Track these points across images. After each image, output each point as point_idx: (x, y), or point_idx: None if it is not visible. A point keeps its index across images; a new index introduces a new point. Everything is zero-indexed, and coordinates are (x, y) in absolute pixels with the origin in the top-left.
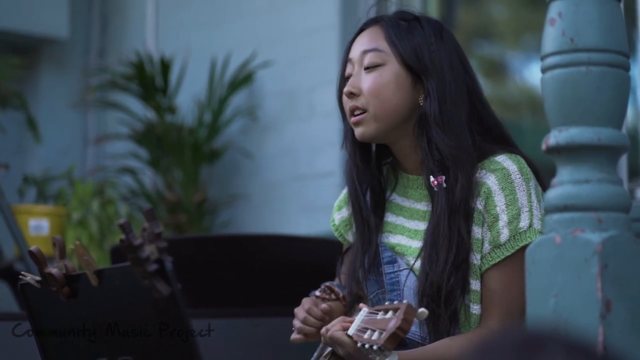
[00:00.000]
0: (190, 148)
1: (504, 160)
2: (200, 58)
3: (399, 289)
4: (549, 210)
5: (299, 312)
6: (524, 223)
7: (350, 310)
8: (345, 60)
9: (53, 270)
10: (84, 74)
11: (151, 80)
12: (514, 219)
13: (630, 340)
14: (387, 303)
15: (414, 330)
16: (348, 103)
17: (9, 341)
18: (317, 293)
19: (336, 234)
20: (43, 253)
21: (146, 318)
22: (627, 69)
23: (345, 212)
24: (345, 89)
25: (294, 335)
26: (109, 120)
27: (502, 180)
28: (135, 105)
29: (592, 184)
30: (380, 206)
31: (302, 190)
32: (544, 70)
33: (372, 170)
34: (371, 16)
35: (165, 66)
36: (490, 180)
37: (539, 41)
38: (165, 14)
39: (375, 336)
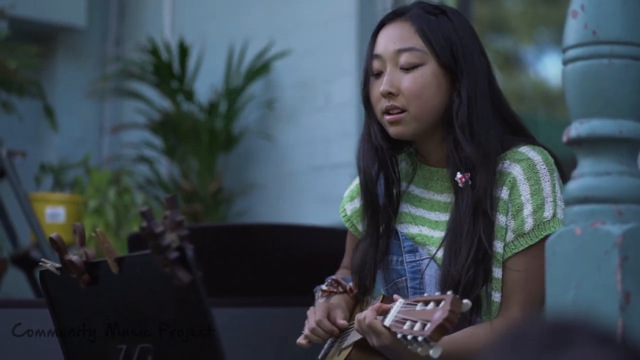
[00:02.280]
0: (207, 136)
1: (528, 152)
2: (217, 46)
3: (420, 277)
4: (569, 202)
5: (310, 318)
6: (548, 213)
7: (361, 301)
8: (371, 54)
9: (73, 257)
10: (101, 63)
11: (168, 68)
12: (539, 208)
13: None
14: (426, 294)
15: None
16: (383, 101)
17: (27, 325)
18: (324, 287)
19: (347, 225)
20: (64, 240)
21: (166, 306)
22: None
23: (357, 203)
24: (383, 89)
25: (301, 340)
26: (125, 109)
27: (527, 170)
28: (152, 93)
29: (613, 176)
30: (395, 197)
31: (317, 180)
32: (565, 62)
33: (390, 160)
34: (395, 7)
35: (184, 52)
36: (516, 170)
37: (552, 35)
38: (182, 2)
39: (417, 327)
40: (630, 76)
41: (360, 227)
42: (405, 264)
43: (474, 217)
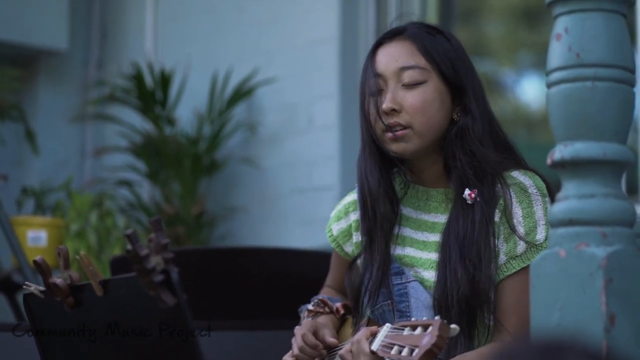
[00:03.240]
0: (190, 160)
1: (519, 176)
2: (199, 70)
3: (407, 301)
4: (553, 224)
5: (298, 336)
6: (540, 236)
7: (356, 323)
8: (370, 73)
9: (57, 280)
10: (83, 86)
11: (150, 93)
12: (531, 231)
13: (634, 354)
14: (413, 319)
15: None
16: (385, 118)
17: (9, 349)
18: (310, 307)
19: (333, 245)
20: (48, 263)
21: (151, 329)
22: (632, 84)
23: (344, 223)
24: (386, 106)
25: (287, 357)
26: (107, 132)
27: (519, 194)
28: (134, 117)
29: (597, 198)
30: (392, 217)
31: (300, 203)
32: (549, 85)
33: (388, 180)
34: (393, 27)
35: (165, 79)
36: (507, 194)
37: (533, 59)
38: (164, 26)
39: (405, 352)
40: (614, 99)
41: (346, 248)
42: (391, 287)
43: (486, 233)
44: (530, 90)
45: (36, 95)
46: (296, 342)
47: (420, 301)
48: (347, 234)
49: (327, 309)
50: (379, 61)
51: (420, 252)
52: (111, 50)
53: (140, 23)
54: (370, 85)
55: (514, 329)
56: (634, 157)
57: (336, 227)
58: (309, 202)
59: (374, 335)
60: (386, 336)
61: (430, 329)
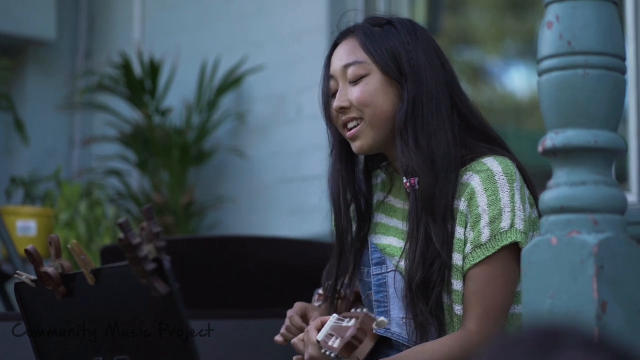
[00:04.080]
0: (179, 150)
1: (491, 162)
2: (187, 60)
3: (385, 291)
4: (545, 212)
5: (287, 317)
6: (505, 223)
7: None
8: (328, 76)
9: (49, 269)
10: (71, 76)
11: (139, 82)
12: (496, 219)
13: (625, 341)
14: (375, 306)
15: (399, 332)
16: (340, 118)
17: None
18: (321, 291)
19: None
20: (39, 252)
21: (143, 317)
22: (623, 72)
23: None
24: (336, 105)
25: (277, 337)
26: (96, 122)
27: (485, 182)
28: (123, 107)
29: (589, 186)
30: (368, 212)
31: (289, 193)
32: (540, 73)
33: (359, 175)
34: (343, 29)
35: (154, 68)
36: (475, 182)
37: (519, 48)
38: (152, 16)
39: (336, 343)
40: (605, 86)
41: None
42: (372, 277)
43: (420, 219)
44: (517, 79)
45: (25, 85)
46: (285, 323)
47: (399, 291)
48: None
49: (336, 295)
50: (332, 62)
51: (401, 241)
52: (99, 40)
53: (128, 13)
54: (327, 88)
55: (479, 320)
56: (625, 145)
57: None
58: (297, 191)
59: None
60: (331, 327)
61: (354, 320)
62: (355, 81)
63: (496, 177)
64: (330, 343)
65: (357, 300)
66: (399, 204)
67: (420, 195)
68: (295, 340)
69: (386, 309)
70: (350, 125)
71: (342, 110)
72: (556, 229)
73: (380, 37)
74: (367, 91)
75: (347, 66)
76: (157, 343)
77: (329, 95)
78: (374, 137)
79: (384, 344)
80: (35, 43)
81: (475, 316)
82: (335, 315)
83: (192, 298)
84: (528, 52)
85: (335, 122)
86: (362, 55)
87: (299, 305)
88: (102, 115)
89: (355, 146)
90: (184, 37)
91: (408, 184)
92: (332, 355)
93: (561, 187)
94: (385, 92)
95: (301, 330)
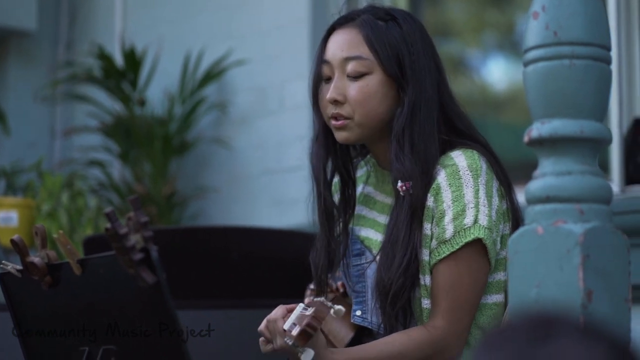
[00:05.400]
0: (160, 141)
1: (457, 156)
2: (170, 51)
3: (364, 281)
4: (531, 201)
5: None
6: (468, 219)
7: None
8: (320, 59)
9: (35, 259)
10: (52, 67)
11: (121, 73)
12: (459, 215)
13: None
14: (354, 296)
15: (377, 322)
16: (330, 108)
17: None
18: (312, 286)
19: None
20: (25, 242)
21: (130, 307)
22: (609, 62)
23: (336, 197)
24: (329, 96)
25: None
26: (77, 113)
27: (450, 177)
28: (104, 98)
29: (574, 175)
30: (351, 199)
31: (270, 183)
32: (526, 63)
33: (343, 164)
34: (344, 13)
35: (136, 59)
36: (440, 177)
37: (498, 39)
38: (134, 7)
39: (294, 331)
40: (591, 76)
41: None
42: (351, 267)
43: (411, 226)
44: (496, 71)
45: (6, 76)
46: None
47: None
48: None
49: (327, 288)
50: (328, 47)
51: (378, 234)
52: (80, 31)
53: (110, 3)
54: (319, 72)
55: (445, 314)
56: (610, 135)
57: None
58: (279, 182)
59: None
60: (296, 316)
61: (310, 310)
62: (355, 77)
63: (460, 173)
64: (293, 332)
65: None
66: (379, 196)
67: (412, 201)
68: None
69: (364, 298)
70: (339, 119)
71: (336, 102)
72: (542, 219)
73: (384, 34)
74: (366, 91)
75: (348, 59)
76: (144, 333)
77: (320, 79)
78: (361, 133)
79: (365, 334)
80: (16, 34)
81: (442, 311)
82: (301, 305)
83: (175, 288)
84: (507, 44)
85: (323, 109)
86: (365, 51)
87: (280, 308)
88: (83, 106)
89: (340, 135)
90: (167, 28)
91: (404, 187)
92: (290, 343)
93: (547, 176)
94: (383, 94)
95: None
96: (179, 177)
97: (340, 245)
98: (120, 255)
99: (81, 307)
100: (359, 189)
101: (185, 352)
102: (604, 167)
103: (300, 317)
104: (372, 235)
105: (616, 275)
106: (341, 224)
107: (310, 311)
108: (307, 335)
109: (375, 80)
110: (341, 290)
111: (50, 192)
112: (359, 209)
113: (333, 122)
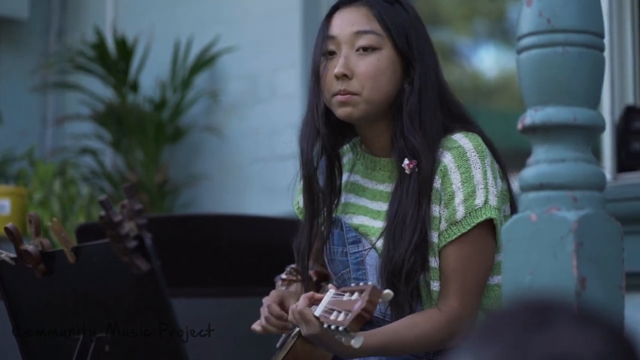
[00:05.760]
0: (153, 128)
1: (461, 139)
2: (161, 38)
3: (364, 269)
4: (524, 188)
5: (264, 306)
6: (479, 200)
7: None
8: (324, 35)
9: (29, 247)
10: (44, 55)
11: (113, 61)
12: (469, 196)
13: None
14: (353, 284)
15: (380, 307)
16: (335, 84)
17: None
18: (284, 276)
19: (301, 217)
20: (19, 230)
21: (124, 295)
22: (602, 49)
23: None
24: (338, 71)
25: (255, 326)
26: (69, 101)
27: (457, 158)
28: (96, 85)
29: (568, 162)
30: (337, 186)
31: (262, 171)
32: (519, 50)
33: (332, 146)
34: None
35: (128, 47)
36: (447, 159)
37: (488, 27)
38: None
39: (341, 317)
40: (584, 64)
41: None
42: (349, 255)
43: (419, 203)
44: (487, 59)
45: None
46: (263, 313)
47: (375, 268)
48: None
49: (299, 277)
50: (334, 24)
51: (374, 221)
52: (72, 19)
53: None
54: (323, 47)
55: (458, 295)
56: (603, 122)
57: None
58: (271, 170)
59: (317, 301)
60: (329, 302)
61: (362, 294)
62: (366, 50)
63: (468, 154)
64: (332, 317)
65: (322, 280)
66: (369, 183)
67: (421, 178)
68: (261, 326)
69: None
70: (345, 94)
71: (343, 77)
72: (535, 206)
73: (394, 13)
74: (377, 66)
75: (359, 33)
76: (138, 321)
77: (323, 55)
78: (365, 111)
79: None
80: (7, 22)
81: (455, 292)
82: (331, 291)
83: (167, 276)
84: (497, 32)
85: (327, 85)
86: (377, 27)
87: (275, 294)
88: (75, 94)
89: (343, 111)
90: (157, 15)
91: (410, 166)
92: (340, 328)
93: (540, 164)
94: (393, 70)
95: (280, 317)
96: (171, 164)
97: (324, 231)
98: (115, 243)
99: (75, 295)
100: (345, 177)
101: (179, 340)
102: (596, 155)
103: (340, 302)
104: (368, 222)
105: (610, 263)
106: (325, 211)
107: (354, 296)
108: (362, 319)
109: (385, 56)
110: (314, 278)
111: (42, 180)
112: (347, 197)
113: (338, 97)
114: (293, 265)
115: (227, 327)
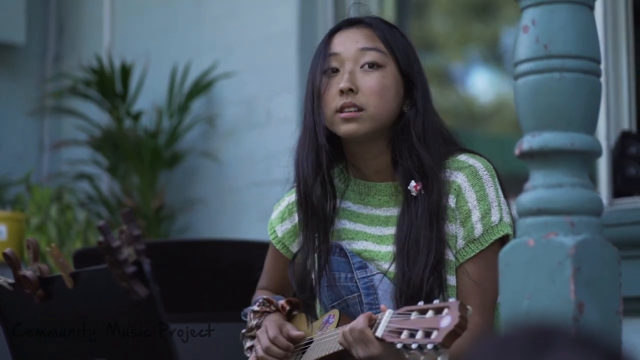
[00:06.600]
0: (149, 153)
1: (468, 159)
2: (157, 64)
3: (375, 293)
4: (522, 213)
5: (262, 337)
6: (495, 217)
7: (296, 317)
8: (325, 53)
9: (27, 272)
10: (41, 80)
11: (110, 86)
12: (486, 213)
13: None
14: (420, 304)
15: None
16: (338, 99)
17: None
18: (256, 308)
19: (278, 246)
20: (17, 256)
21: (122, 320)
22: (599, 75)
23: (289, 224)
24: (343, 85)
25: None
26: (66, 126)
27: (471, 177)
28: (93, 111)
29: (565, 188)
30: (331, 209)
31: (258, 196)
32: (517, 76)
33: (328, 166)
34: (351, 15)
35: (125, 72)
36: (460, 178)
37: (482, 52)
38: (121, 20)
39: (419, 335)
40: (581, 89)
41: (292, 248)
42: (357, 281)
43: (430, 224)
44: (481, 83)
45: None
46: (261, 344)
47: (387, 293)
48: (292, 234)
49: (272, 307)
50: (336, 43)
51: (378, 245)
52: (68, 44)
53: (97, 17)
54: (325, 65)
55: (480, 311)
56: (600, 148)
57: (280, 229)
58: (267, 195)
59: (372, 322)
60: (390, 322)
61: (448, 310)
62: (371, 67)
63: (480, 173)
64: (403, 337)
65: (293, 309)
66: (364, 209)
67: (431, 199)
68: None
69: (378, 310)
70: (349, 109)
71: (349, 92)
72: (533, 231)
73: (396, 36)
74: (382, 82)
75: (365, 49)
76: (135, 346)
77: (324, 73)
78: (370, 127)
79: None
80: (4, 47)
81: (477, 307)
82: (390, 311)
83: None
84: (490, 56)
85: (328, 102)
86: (381, 46)
87: (274, 326)
88: (71, 119)
89: (348, 127)
90: (154, 41)
91: (418, 187)
92: (429, 347)
93: (538, 189)
94: (396, 90)
95: (287, 349)
96: (168, 190)
97: (322, 258)
98: (113, 268)
99: (73, 320)
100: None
101: None
102: (592, 180)
103: (412, 322)
104: (372, 247)
105: (607, 287)
106: (322, 236)
107: (427, 314)
108: (455, 335)
109: (390, 74)
110: (287, 308)
111: (39, 205)
112: (341, 223)
113: (342, 114)
114: (265, 297)
115: (224, 351)
